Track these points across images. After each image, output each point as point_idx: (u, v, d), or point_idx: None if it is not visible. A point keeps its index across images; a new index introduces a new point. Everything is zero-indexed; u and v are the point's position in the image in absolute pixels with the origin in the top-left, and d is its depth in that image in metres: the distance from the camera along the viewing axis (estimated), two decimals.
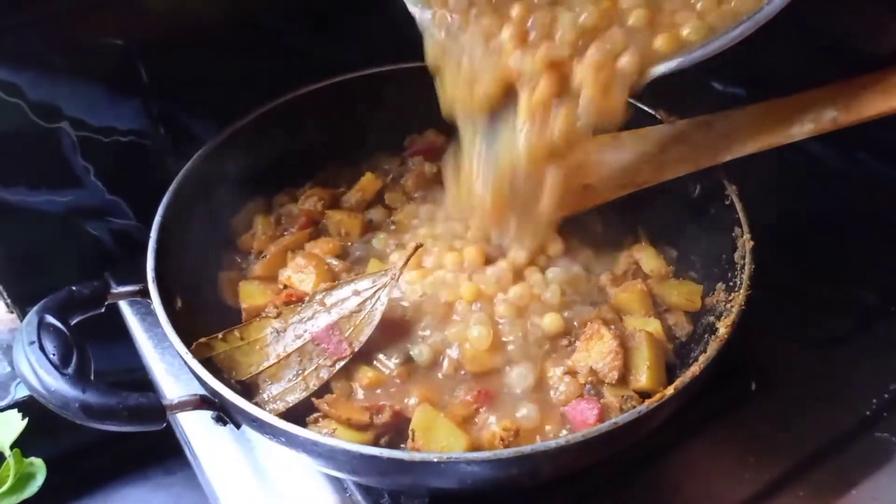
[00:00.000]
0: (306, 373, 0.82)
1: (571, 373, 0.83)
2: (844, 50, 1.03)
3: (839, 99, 0.82)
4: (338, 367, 0.82)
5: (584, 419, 0.78)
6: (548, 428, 0.80)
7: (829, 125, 0.82)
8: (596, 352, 0.82)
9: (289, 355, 0.83)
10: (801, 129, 0.83)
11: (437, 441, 0.76)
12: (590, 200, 0.95)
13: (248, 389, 0.81)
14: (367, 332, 0.83)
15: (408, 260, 0.86)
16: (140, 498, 1.24)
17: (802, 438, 0.88)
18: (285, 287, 0.91)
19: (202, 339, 0.81)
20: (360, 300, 0.85)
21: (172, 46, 1.00)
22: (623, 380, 0.81)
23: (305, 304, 0.86)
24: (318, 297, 0.86)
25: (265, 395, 0.81)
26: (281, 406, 0.80)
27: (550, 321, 0.86)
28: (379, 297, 0.84)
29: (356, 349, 0.83)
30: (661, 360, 0.84)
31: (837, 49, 1.04)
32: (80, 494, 1.22)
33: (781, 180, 0.91)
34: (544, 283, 0.90)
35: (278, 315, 0.87)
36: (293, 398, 0.81)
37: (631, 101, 1.01)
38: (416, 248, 0.88)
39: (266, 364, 0.83)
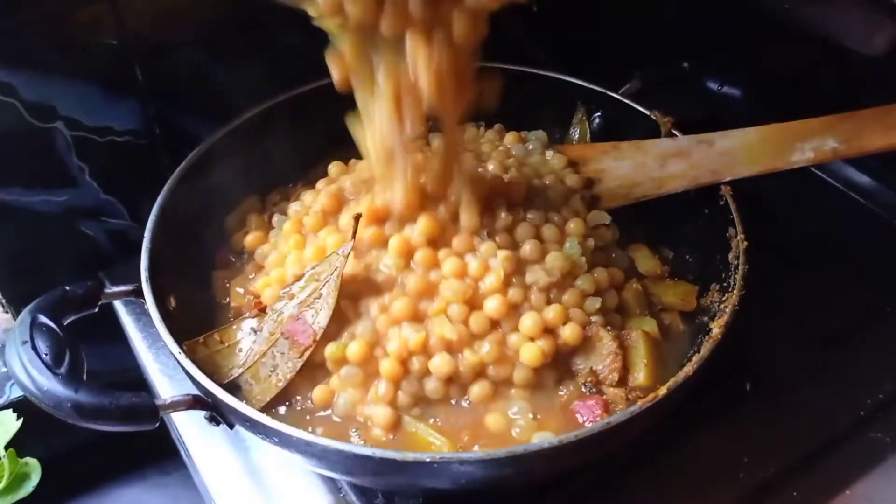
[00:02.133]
0: (278, 368, 0.82)
1: (571, 377, 0.82)
2: (839, 50, 1.04)
3: (841, 130, 0.83)
4: (305, 356, 0.81)
5: (593, 416, 0.78)
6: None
7: (830, 155, 0.83)
8: (595, 354, 0.82)
9: (264, 353, 0.83)
10: (802, 157, 0.84)
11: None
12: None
13: (234, 392, 0.81)
14: (326, 315, 0.82)
15: (354, 234, 0.84)
16: (136, 498, 1.24)
17: (797, 438, 0.88)
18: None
19: (185, 343, 0.80)
20: (319, 286, 0.83)
21: (168, 46, 1.00)
22: (622, 380, 0.81)
23: (280, 300, 0.86)
24: (285, 290, 0.85)
25: (248, 397, 0.81)
26: (257, 406, 0.79)
27: (530, 354, 0.81)
28: (333, 279, 0.83)
29: (319, 336, 0.82)
30: (659, 358, 0.84)
31: (832, 50, 1.04)
32: (76, 495, 1.22)
33: (776, 180, 0.91)
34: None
35: (256, 315, 0.86)
36: (268, 396, 0.81)
37: (626, 101, 1.03)
38: (356, 218, 0.85)
39: (246, 365, 0.83)
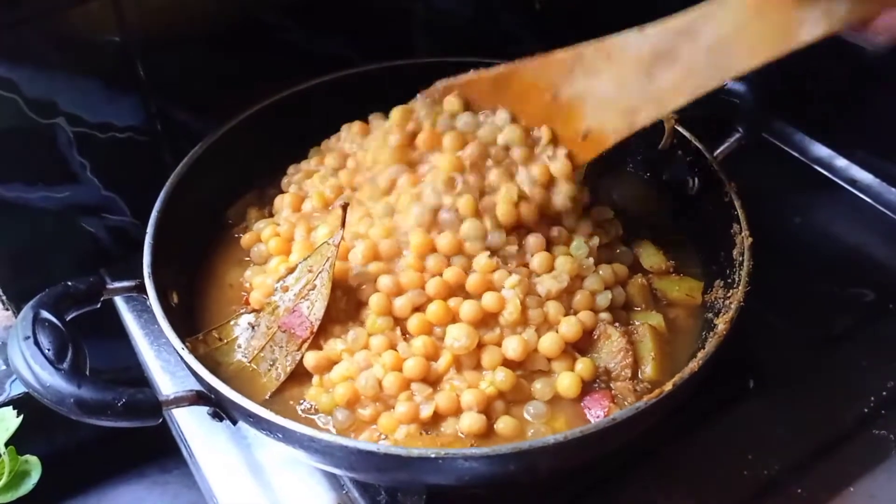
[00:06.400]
0: (277, 362, 0.82)
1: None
2: (843, 45, 1.03)
3: None
4: (304, 349, 0.81)
5: (603, 409, 0.78)
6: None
7: (840, 24, 0.64)
8: (605, 352, 0.82)
9: (263, 348, 0.83)
10: (812, 31, 0.65)
11: None
12: (596, 147, 0.83)
13: (235, 388, 0.80)
14: (321, 306, 0.81)
15: (343, 223, 0.84)
16: (136, 496, 1.24)
17: (800, 436, 0.88)
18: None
19: (187, 340, 0.80)
20: (313, 277, 0.83)
21: (169, 43, 1.00)
22: (633, 375, 0.81)
23: (275, 294, 0.86)
24: (279, 284, 0.85)
25: (249, 392, 0.80)
26: (258, 400, 0.77)
27: (569, 383, 0.80)
28: (326, 269, 0.82)
29: (315, 328, 0.81)
30: (666, 351, 0.83)
31: (836, 44, 1.04)
32: (76, 492, 1.22)
33: (780, 177, 0.91)
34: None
35: (253, 311, 0.86)
36: (269, 390, 0.81)
37: None
38: (344, 207, 0.84)
39: (245, 361, 0.83)
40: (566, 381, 0.79)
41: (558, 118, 0.84)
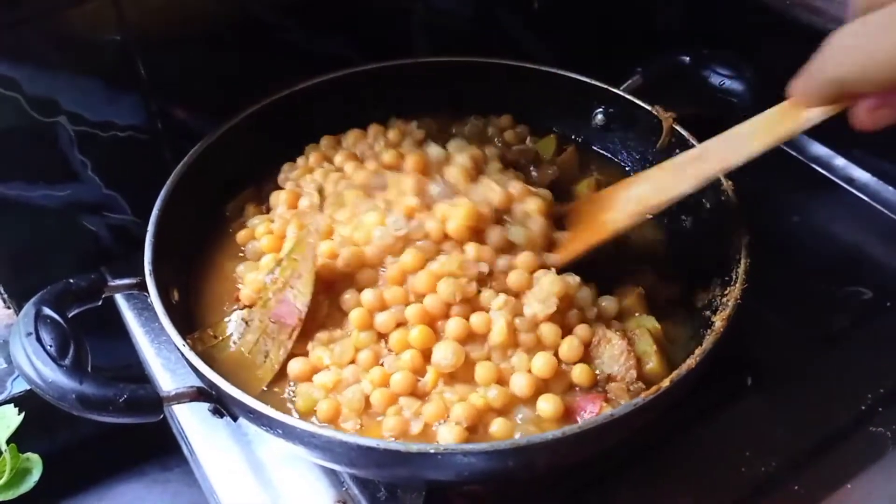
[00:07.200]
0: (270, 353, 0.82)
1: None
2: None
3: None
4: (294, 336, 0.81)
5: (597, 410, 0.77)
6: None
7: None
8: (608, 357, 0.81)
9: (256, 341, 0.83)
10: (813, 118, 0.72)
11: None
12: (602, 234, 0.86)
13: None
14: (307, 292, 0.81)
15: (321, 206, 0.84)
16: (136, 494, 1.24)
17: (798, 433, 0.88)
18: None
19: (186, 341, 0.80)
20: (297, 265, 0.83)
21: (170, 42, 1.01)
22: (639, 376, 0.80)
23: (265, 288, 0.86)
24: (269, 277, 0.85)
25: (246, 386, 0.79)
26: (255, 393, 0.78)
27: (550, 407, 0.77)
28: (308, 256, 0.82)
29: (304, 315, 0.81)
30: (665, 348, 0.83)
31: None
32: (77, 490, 1.22)
33: (778, 176, 0.91)
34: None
35: (245, 306, 0.86)
36: (265, 382, 0.81)
37: (629, 97, 1.03)
38: (320, 191, 0.84)
39: (242, 355, 0.83)
40: (544, 406, 0.76)
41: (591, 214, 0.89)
